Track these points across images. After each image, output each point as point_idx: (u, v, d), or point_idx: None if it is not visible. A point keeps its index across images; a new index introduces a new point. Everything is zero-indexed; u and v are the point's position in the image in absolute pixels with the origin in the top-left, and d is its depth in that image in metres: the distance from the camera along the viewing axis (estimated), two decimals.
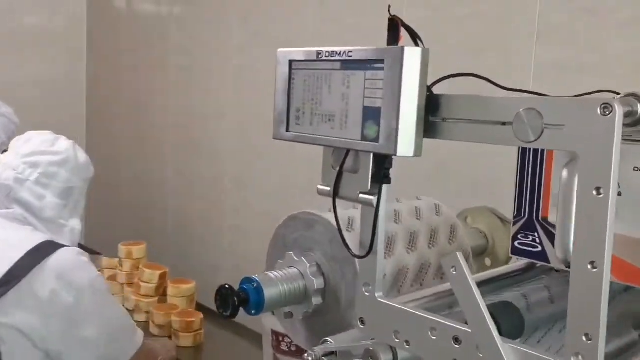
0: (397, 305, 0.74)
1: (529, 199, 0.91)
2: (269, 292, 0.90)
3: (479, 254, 1.29)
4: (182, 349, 1.79)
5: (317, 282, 0.93)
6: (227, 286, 0.89)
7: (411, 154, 0.67)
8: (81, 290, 1.38)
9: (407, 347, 0.72)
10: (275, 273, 0.94)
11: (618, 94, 0.95)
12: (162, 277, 2.02)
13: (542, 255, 0.90)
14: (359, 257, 0.75)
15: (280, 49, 0.79)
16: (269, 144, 2.29)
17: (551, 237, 0.89)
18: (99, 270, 2.25)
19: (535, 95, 0.62)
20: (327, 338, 0.83)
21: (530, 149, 0.90)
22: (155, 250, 2.49)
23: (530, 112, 0.60)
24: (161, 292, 2.03)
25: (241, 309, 0.89)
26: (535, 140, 0.59)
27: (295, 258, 0.96)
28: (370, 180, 0.72)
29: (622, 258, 0.83)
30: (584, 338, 0.57)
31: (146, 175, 2.89)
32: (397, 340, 0.73)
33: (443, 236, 1.02)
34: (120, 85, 3.05)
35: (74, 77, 3.24)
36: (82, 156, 1.57)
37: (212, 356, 1.85)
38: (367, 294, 0.76)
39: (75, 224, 1.51)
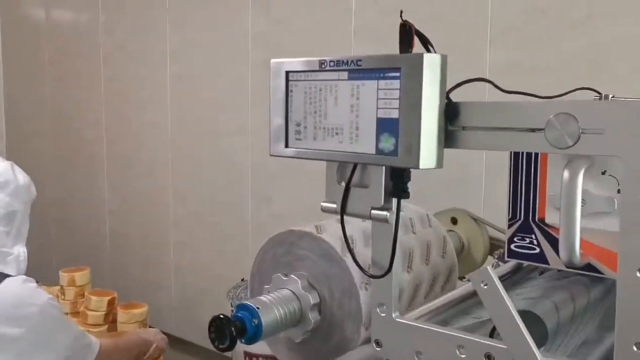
0: (418, 325, 0.70)
1: (524, 201, 0.90)
2: (266, 319, 0.85)
3: (459, 254, 1.28)
4: None
5: (312, 297, 0.89)
6: (222, 316, 0.82)
7: (433, 165, 0.63)
8: (30, 321, 1.29)
9: None
10: (268, 297, 0.88)
11: (598, 92, 0.96)
12: (111, 303, 1.90)
13: (541, 257, 0.89)
14: (377, 277, 0.71)
15: (273, 60, 0.73)
16: (209, 153, 2.22)
17: (549, 238, 0.89)
18: None
19: (568, 100, 0.60)
20: None
21: (523, 152, 0.89)
22: (96, 273, 2.36)
23: (565, 117, 0.57)
24: (110, 320, 1.91)
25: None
26: (573, 145, 0.57)
27: (284, 278, 0.91)
28: (383, 195, 0.68)
29: None
30: (634, 347, 0.56)
31: (78, 194, 2.74)
32: None
33: (435, 251, 1.00)
34: (42, 99, 2.87)
35: None
36: (22, 177, 1.45)
37: None
38: (382, 314, 0.73)
39: (21, 250, 1.40)
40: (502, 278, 1.00)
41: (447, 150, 0.65)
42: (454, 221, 1.27)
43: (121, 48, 2.45)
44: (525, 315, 0.73)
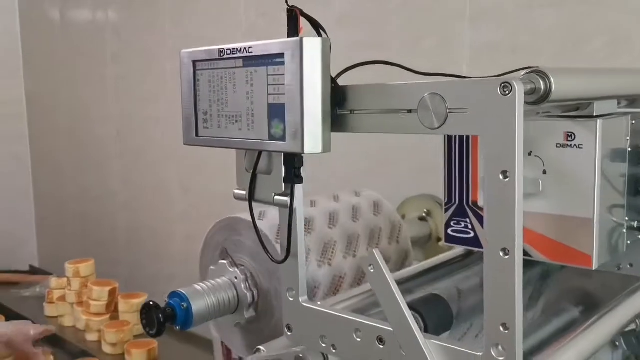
0: (321, 309, 0.70)
1: (458, 185, 0.89)
2: (197, 306, 0.87)
3: (426, 242, 1.28)
4: None
5: (249, 295, 0.90)
6: (151, 303, 0.84)
7: (319, 150, 0.63)
8: None
9: (334, 351, 0.69)
10: (203, 285, 0.90)
11: (543, 73, 0.94)
12: (112, 293, 1.95)
13: (475, 241, 0.88)
14: (279, 262, 0.72)
15: (183, 50, 0.75)
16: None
17: (482, 222, 0.87)
18: (47, 291, 2.19)
19: (440, 79, 0.59)
20: (259, 347, 0.80)
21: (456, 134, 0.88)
22: (108, 265, 2.42)
23: (434, 97, 0.57)
24: (113, 309, 1.96)
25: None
26: (440, 126, 0.57)
27: (229, 268, 0.92)
28: (282, 181, 0.69)
29: (551, 237, 0.81)
30: (501, 328, 0.55)
31: (92, 189, 2.81)
32: (323, 345, 0.70)
33: (385, 237, 1.00)
34: (59, 99, 2.96)
35: (13, 96, 3.13)
36: None
37: None
38: (291, 299, 0.73)
39: None
40: (453, 261, 0.99)
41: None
42: (419, 207, 1.27)
43: (127, 46, 2.51)
44: (428, 298, 0.73)
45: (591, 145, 0.76)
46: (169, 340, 1.85)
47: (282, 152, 0.67)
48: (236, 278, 0.90)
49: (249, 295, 0.90)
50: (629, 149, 0.84)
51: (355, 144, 1.36)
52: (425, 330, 0.69)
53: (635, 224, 0.87)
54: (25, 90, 3.16)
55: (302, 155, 0.67)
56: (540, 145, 0.80)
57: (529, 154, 0.81)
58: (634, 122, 0.84)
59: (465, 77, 0.58)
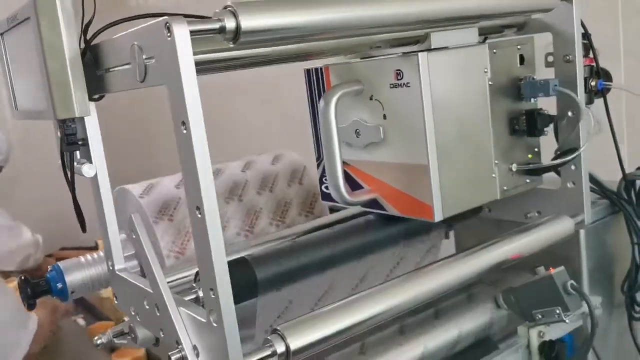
0: (128, 279, 0.68)
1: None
2: (72, 278, 0.87)
3: None
4: None
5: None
6: (23, 277, 0.86)
7: (75, 114, 0.61)
8: None
9: (138, 320, 0.67)
10: (89, 257, 0.90)
11: None
12: None
13: None
14: (84, 231, 0.70)
15: None
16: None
17: (345, 176, 0.81)
18: None
19: (137, 28, 0.53)
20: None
21: (314, 88, 0.82)
22: None
23: (134, 47, 0.52)
24: None
25: None
26: (143, 80, 0.52)
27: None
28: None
29: (398, 188, 0.73)
30: (210, 293, 0.50)
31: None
32: (132, 314, 0.69)
33: (282, 181, 0.94)
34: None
35: None
36: None
37: None
38: (110, 267, 0.72)
39: None
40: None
41: None
42: None
43: None
44: (237, 261, 0.68)
45: (416, 82, 0.67)
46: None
47: (49, 120, 0.64)
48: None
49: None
50: (490, 83, 0.73)
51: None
52: None
53: (514, 167, 0.76)
54: None
55: (70, 120, 0.64)
56: (378, 87, 0.72)
57: (370, 99, 0.73)
58: (495, 51, 0.74)
59: (160, 17, 0.51)
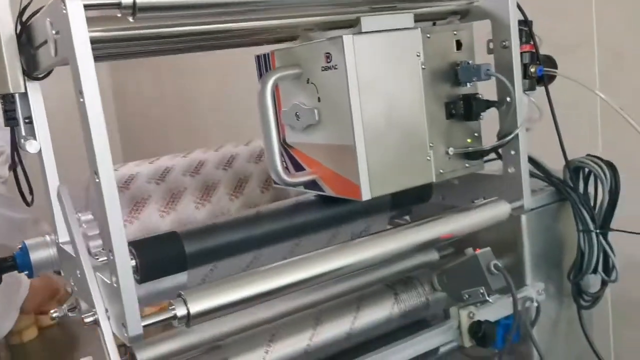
0: (66, 250, 0.72)
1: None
2: (36, 256, 0.91)
3: None
4: None
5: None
6: None
7: (8, 90, 0.65)
8: None
9: (76, 290, 0.71)
10: (54, 236, 0.94)
11: None
12: None
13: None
14: (28, 205, 0.74)
15: None
16: None
17: (293, 162, 0.83)
18: None
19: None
20: None
21: (263, 72, 0.84)
22: None
23: (46, 22, 0.56)
24: None
25: None
26: (56, 54, 0.56)
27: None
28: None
29: (332, 169, 0.75)
30: (110, 255, 0.53)
31: None
32: (72, 285, 0.72)
33: (241, 160, 0.96)
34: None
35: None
36: None
37: None
38: (56, 241, 0.75)
39: None
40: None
41: None
42: None
43: None
44: (163, 237, 0.71)
45: (341, 65, 0.69)
46: None
47: None
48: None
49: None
50: (423, 67, 0.74)
51: None
52: (141, 266, 0.67)
53: (451, 151, 0.77)
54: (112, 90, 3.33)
55: (10, 96, 0.67)
56: (313, 70, 0.74)
57: (307, 82, 0.75)
58: (429, 35, 0.75)
59: None
